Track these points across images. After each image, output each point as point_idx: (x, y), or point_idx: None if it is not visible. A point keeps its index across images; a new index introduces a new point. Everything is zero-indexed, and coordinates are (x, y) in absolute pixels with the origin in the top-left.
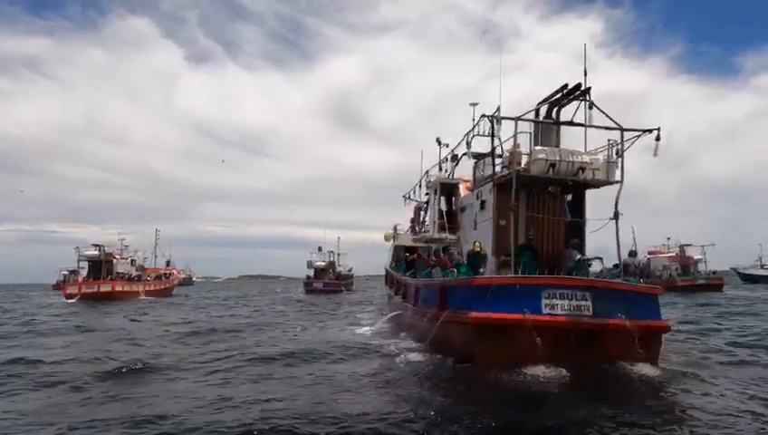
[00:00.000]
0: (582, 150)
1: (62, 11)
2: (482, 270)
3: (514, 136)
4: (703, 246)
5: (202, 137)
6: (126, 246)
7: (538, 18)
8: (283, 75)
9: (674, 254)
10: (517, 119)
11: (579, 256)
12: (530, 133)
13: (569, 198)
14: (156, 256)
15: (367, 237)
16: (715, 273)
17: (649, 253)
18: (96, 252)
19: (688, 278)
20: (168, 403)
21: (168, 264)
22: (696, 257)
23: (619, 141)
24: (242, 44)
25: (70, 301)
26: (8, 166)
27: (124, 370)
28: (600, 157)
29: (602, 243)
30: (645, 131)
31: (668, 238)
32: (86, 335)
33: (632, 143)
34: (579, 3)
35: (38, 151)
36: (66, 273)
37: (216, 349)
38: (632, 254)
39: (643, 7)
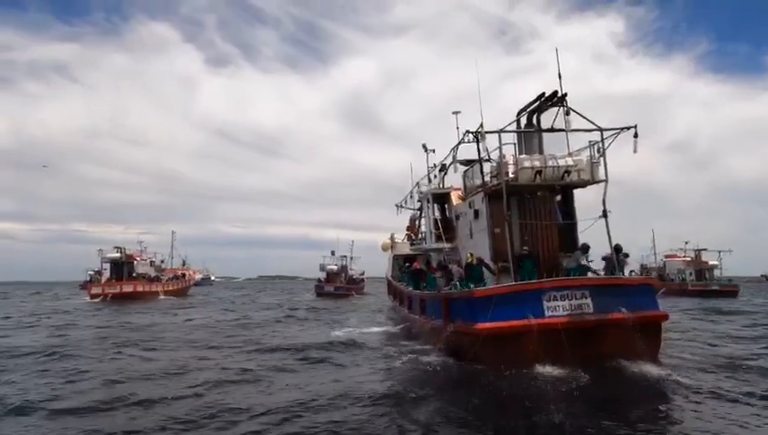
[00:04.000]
0: (566, 153)
1: (87, 17)
2: (486, 280)
3: (499, 148)
4: (719, 251)
5: (221, 139)
6: (145, 247)
7: (556, 18)
8: (300, 78)
9: (689, 258)
10: (500, 132)
11: (584, 261)
12: (514, 144)
13: (558, 198)
14: (172, 257)
15: (382, 239)
16: (730, 280)
17: (666, 256)
18: (118, 254)
19: (701, 283)
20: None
21: (183, 263)
22: (711, 263)
23: (599, 140)
24: (259, 48)
25: (94, 300)
26: (36, 167)
27: None
28: (584, 158)
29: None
30: (623, 129)
31: (686, 242)
32: None
33: (612, 141)
34: (598, 1)
35: (65, 153)
36: (92, 273)
37: None
38: (618, 249)
39: (666, 5)
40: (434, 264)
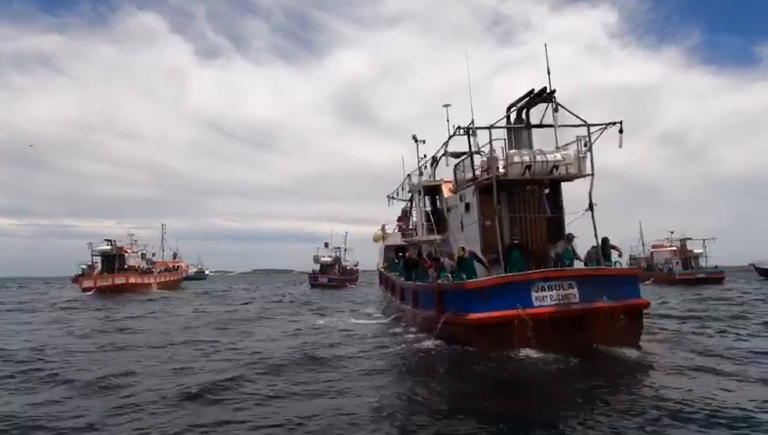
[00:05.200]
0: (554, 148)
1: (73, 8)
2: (479, 272)
3: (490, 143)
4: (704, 239)
5: (213, 132)
6: (135, 240)
7: (549, 9)
8: (292, 70)
9: (675, 248)
10: (490, 127)
11: (568, 248)
12: (504, 139)
13: (546, 191)
14: (163, 250)
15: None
16: (716, 267)
17: (653, 246)
18: (108, 247)
19: (687, 272)
20: None
21: (174, 256)
22: (696, 251)
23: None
24: (250, 39)
25: (86, 293)
26: (25, 161)
27: None
28: (572, 152)
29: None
30: (609, 124)
31: (672, 232)
32: None
33: (598, 136)
34: None
35: (54, 147)
36: (84, 267)
37: None
38: (606, 241)
39: None
40: (425, 255)
